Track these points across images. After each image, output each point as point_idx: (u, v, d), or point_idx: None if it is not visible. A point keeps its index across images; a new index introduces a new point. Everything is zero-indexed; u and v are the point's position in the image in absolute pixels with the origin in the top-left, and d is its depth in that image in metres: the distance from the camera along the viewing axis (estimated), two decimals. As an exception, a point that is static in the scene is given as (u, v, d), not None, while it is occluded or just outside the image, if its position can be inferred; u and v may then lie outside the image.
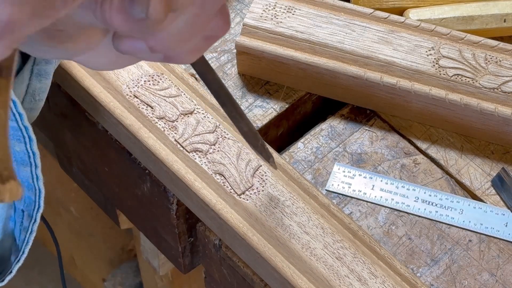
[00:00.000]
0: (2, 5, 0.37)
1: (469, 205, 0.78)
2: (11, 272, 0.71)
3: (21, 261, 0.71)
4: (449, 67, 0.80)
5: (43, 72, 0.71)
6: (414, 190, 0.79)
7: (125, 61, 0.52)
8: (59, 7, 0.40)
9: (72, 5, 0.41)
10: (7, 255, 0.72)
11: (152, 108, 0.79)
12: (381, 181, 0.79)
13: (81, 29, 0.47)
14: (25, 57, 0.69)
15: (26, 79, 0.71)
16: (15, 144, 0.67)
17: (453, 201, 0.78)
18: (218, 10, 0.49)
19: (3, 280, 0.71)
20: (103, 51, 0.50)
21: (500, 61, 0.81)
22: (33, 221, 0.70)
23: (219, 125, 0.78)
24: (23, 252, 0.71)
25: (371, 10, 0.84)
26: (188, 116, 0.79)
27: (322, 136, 0.83)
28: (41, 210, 0.70)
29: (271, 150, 0.77)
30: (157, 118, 0.79)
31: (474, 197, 0.79)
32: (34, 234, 0.71)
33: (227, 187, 0.75)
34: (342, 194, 0.79)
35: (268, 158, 0.73)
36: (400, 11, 0.87)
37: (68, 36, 0.47)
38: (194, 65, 0.59)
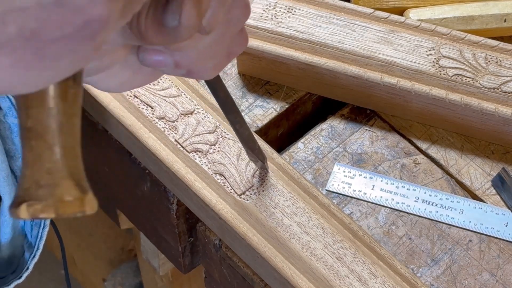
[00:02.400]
0: (98, 1, 0.37)
1: (469, 205, 0.78)
2: (27, 268, 0.71)
3: (37, 257, 0.71)
4: (449, 67, 0.80)
5: None
6: (414, 190, 0.79)
7: (136, 82, 0.51)
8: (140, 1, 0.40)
9: None
10: (19, 253, 0.72)
11: (152, 108, 0.79)
12: (381, 181, 0.79)
13: (112, 46, 0.46)
14: None
15: None
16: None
17: (453, 201, 0.78)
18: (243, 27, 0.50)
19: (20, 277, 0.71)
20: (117, 71, 0.49)
21: (500, 61, 0.81)
22: None
23: (219, 125, 0.78)
24: (38, 247, 0.71)
25: (371, 10, 0.84)
26: (188, 116, 0.79)
27: (322, 136, 0.83)
28: (46, 229, 0.70)
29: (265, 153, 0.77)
30: (157, 118, 0.79)
31: (474, 197, 0.79)
32: (47, 228, 0.71)
33: (227, 187, 0.75)
34: (342, 194, 0.79)
35: (263, 159, 0.74)
36: (400, 11, 0.87)
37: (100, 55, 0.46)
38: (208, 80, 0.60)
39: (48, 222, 0.71)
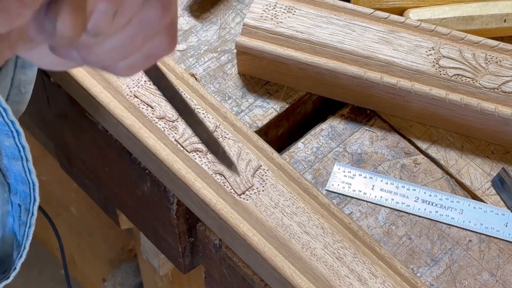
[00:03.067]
0: None
1: (469, 205, 0.78)
2: (15, 268, 0.71)
3: (24, 256, 0.71)
4: (449, 67, 0.80)
5: (27, 64, 0.71)
6: (414, 190, 0.79)
7: (68, 64, 0.51)
8: None
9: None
10: (10, 252, 0.72)
11: (153, 108, 0.79)
12: (381, 181, 0.79)
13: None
14: None
15: (10, 71, 0.70)
16: (4, 139, 0.67)
17: (453, 201, 0.78)
18: (163, 30, 0.49)
19: (8, 278, 0.71)
20: (48, 52, 0.49)
21: (500, 61, 0.81)
22: (30, 214, 0.70)
23: (219, 125, 0.78)
24: (25, 247, 0.71)
25: (371, 10, 0.84)
26: (188, 116, 0.79)
27: (322, 136, 0.83)
28: (37, 203, 0.70)
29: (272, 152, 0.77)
30: (157, 118, 0.79)
31: (474, 197, 0.79)
32: (33, 228, 0.71)
33: (227, 187, 0.75)
34: (342, 194, 0.79)
35: (229, 165, 0.71)
36: (400, 11, 0.87)
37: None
38: (147, 72, 0.58)
39: (33, 221, 0.70)
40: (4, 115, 0.65)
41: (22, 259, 0.71)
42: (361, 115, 0.84)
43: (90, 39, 0.46)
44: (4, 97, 0.70)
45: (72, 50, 0.47)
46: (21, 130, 0.67)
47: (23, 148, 0.67)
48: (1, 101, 0.64)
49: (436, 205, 0.78)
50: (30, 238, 0.71)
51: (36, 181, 0.69)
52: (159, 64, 0.57)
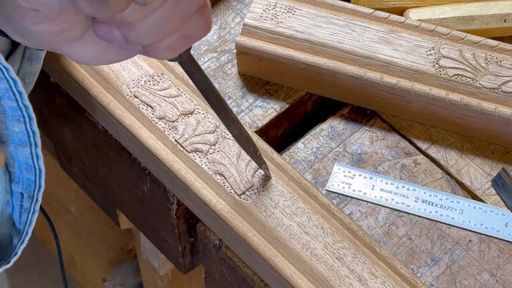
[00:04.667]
0: None
1: (469, 205, 0.78)
2: (16, 253, 0.71)
3: (25, 242, 0.72)
4: (449, 67, 0.80)
5: (34, 56, 0.72)
6: (414, 190, 0.79)
7: (111, 56, 0.54)
8: None
9: None
10: (6, 241, 0.72)
11: (152, 108, 0.79)
12: (381, 181, 0.79)
13: (54, 11, 0.48)
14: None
15: (17, 62, 0.71)
16: (14, 125, 0.68)
17: (453, 201, 0.78)
18: (198, 11, 0.51)
19: (8, 262, 0.71)
20: (90, 43, 0.52)
21: (500, 61, 0.81)
22: (34, 201, 0.71)
23: (219, 125, 0.78)
24: (27, 233, 0.71)
25: (371, 10, 0.84)
26: (188, 116, 0.79)
27: (322, 136, 0.83)
28: (42, 190, 0.70)
29: (272, 155, 0.77)
30: (157, 118, 0.79)
31: (474, 197, 0.79)
32: (36, 214, 0.71)
33: (227, 187, 0.75)
34: (342, 194, 0.79)
35: (260, 164, 0.73)
36: (400, 11, 0.87)
37: (43, 17, 0.49)
38: (181, 64, 0.59)
39: (38, 207, 0.71)
40: (19, 99, 0.66)
41: (24, 245, 0.71)
42: (361, 115, 0.84)
43: (133, 15, 0.48)
44: None
45: (114, 29, 0.49)
46: (33, 115, 0.68)
47: (33, 133, 0.68)
48: (18, 84, 0.65)
49: (436, 205, 0.78)
50: (33, 224, 0.71)
51: (43, 167, 0.69)
52: (193, 57, 0.58)
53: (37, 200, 0.71)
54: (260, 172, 0.76)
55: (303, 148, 0.82)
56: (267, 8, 0.84)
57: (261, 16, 0.83)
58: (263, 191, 0.75)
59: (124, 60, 0.56)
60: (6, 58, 0.71)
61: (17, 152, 0.69)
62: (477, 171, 0.80)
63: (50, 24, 0.49)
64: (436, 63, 0.81)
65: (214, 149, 0.77)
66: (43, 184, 0.70)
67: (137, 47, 0.52)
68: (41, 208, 0.80)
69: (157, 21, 0.49)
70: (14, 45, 0.71)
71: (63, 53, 0.53)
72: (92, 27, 0.50)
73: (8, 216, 0.72)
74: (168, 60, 0.56)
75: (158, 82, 0.81)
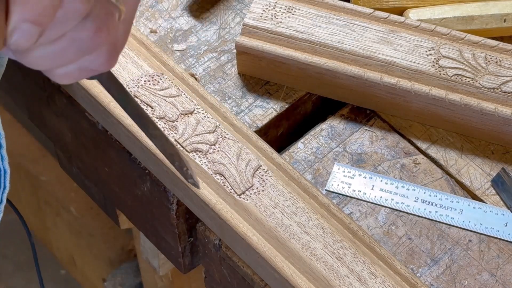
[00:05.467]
0: None
1: (469, 205, 0.78)
2: None
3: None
4: (449, 67, 0.80)
5: None
6: (414, 190, 0.79)
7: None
8: None
9: None
10: None
11: (152, 108, 0.79)
12: (381, 181, 0.79)
13: None
14: None
15: None
16: None
17: (453, 201, 0.78)
18: (99, 47, 0.52)
19: None
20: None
21: (500, 61, 0.81)
22: None
23: (219, 125, 0.78)
24: None
25: (371, 10, 0.84)
26: (188, 116, 0.79)
27: (322, 136, 0.83)
28: (6, 191, 0.71)
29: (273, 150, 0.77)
30: (157, 118, 0.79)
31: (474, 197, 0.79)
32: (1, 215, 0.72)
33: (227, 187, 0.75)
34: (342, 194, 0.79)
35: (186, 178, 0.65)
36: (400, 11, 0.87)
37: None
38: (99, 81, 0.59)
39: (2, 208, 0.71)
40: None
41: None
42: (361, 115, 0.84)
43: (25, 44, 0.49)
44: None
45: (10, 52, 0.50)
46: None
47: None
48: None
49: (436, 205, 0.78)
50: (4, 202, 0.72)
51: (8, 168, 0.70)
52: (112, 75, 0.58)
53: (1, 201, 0.71)
54: (260, 172, 0.76)
55: (303, 148, 0.82)
56: (267, 8, 0.84)
57: (261, 16, 0.83)
58: (263, 191, 0.75)
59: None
60: None
61: None
62: (476, 171, 0.80)
63: None
64: (436, 63, 0.81)
65: (214, 149, 0.77)
66: (7, 185, 0.71)
67: (35, 68, 0.53)
68: (12, 204, 0.81)
69: (49, 53, 0.50)
70: None
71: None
72: None
73: None
74: (86, 78, 0.56)
75: (158, 82, 0.81)
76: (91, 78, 0.57)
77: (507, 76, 0.80)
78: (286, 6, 0.84)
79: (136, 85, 0.80)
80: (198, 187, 0.66)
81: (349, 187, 0.79)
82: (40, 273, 0.94)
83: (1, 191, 0.71)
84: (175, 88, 0.80)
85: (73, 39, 0.50)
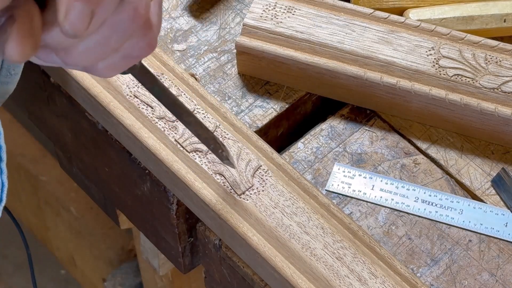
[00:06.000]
0: None
1: (469, 205, 0.78)
2: None
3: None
4: (449, 67, 0.80)
5: None
6: (414, 190, 0.79)
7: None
8: None
9: None
10: None
11: (152, 108, 0.79)
12: (381, 181, 0.79)
13: None
14: None
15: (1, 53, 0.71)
16: None
17: (453, 201, 0.78)
18: (139, 32, 0.51)
19: None
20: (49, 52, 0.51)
21: (500, 61, 0.81)
22: None
23: (219, 125, 0.78)
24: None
25: (371, 10, 0.84)
26: (188, 116, 0.79)
27: (322, 136, 0.83)
28: (3, 204, 0.71)
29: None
30: (157, 118, 0.79)
31: (474, 197, 0.79)
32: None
33: (227, 187, 0.75)
34: (342, 194, 0.79)
35: (222, 160, 0.72)
36: (400, 11, 0.87)
37: None
38: (133, 75, 0.59)
39: (3, 197, 0.72)
40: None
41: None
42: (361, 115, 0.84)
43: (67, 41, 0.47)
44: None
45: (51, 54, 0.48)
46: (1, 129, 0.68)
47: (0, 147, 0.69)
48: None
49: (436, 205, 0.78)
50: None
51: (6, 182, 0.70)
52: (144, 64, 0.58)
53: None
54: (260, 172, 0.76)
55: (303, 148, 0.82)
56: (267, 8, 0.84)
57: (261, 16, 0.83)
58: (263, 191, 0.75)
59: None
60: None
61: None
62: (477, 171, 0.80)
63: None
64: (436, 63, 0.81)
65: (214, 149, 0.77)
66: (4, 198, 0.71)
67: (76, 67, 0.52)
68: (10, 212, 0.81)
69: (93, 46, 0.49)
70: None
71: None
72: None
73: None
74: (120, 73, 0.56)
75: (158, 82, 0.81)
76: (125, 72, 0.57)
77: (507, 76, 0.80)
78: (286, 6, 0.84)
79: (136, 85, 0.80)
80: (234, 167, 0.74)
81: (349, 187, 0.79)
82: (33, 275, 0.94)
83: None
84: (175, 88, 0.80)
85: (113, 24, 0.49)
